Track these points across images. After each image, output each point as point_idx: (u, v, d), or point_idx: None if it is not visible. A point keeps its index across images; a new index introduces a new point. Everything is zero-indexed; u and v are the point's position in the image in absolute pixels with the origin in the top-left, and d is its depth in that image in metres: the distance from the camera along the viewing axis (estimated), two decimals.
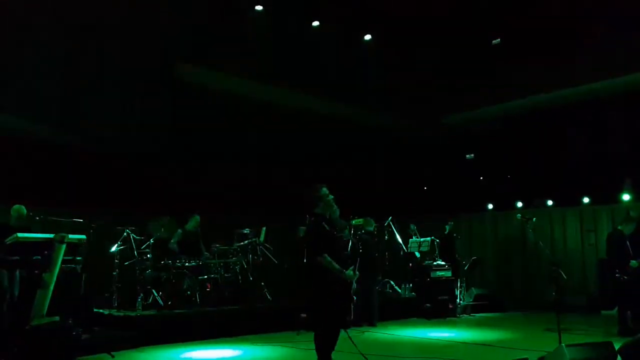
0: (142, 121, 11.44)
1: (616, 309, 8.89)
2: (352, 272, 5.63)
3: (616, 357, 6.14)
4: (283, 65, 13.08)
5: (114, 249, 9.39)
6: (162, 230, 9.87)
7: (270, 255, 10.88)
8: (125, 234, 9.49)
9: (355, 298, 5.86)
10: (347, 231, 11.28)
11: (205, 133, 12.33)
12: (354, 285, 5.81)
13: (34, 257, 7.13)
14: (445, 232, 12.80)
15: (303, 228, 10.51)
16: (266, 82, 12.97)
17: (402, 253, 12.48)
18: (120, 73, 11.26)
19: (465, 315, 11.57)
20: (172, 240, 9.98)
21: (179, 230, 10.20)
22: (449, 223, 12.94)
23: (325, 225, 5.65)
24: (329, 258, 5.48)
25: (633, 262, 8.54)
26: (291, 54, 13.23)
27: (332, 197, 5.83)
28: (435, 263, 11.84)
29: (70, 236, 7.54)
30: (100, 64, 10.97)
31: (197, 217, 10.28)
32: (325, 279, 5.56)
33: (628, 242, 8.72)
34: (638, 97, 12.79)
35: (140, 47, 11.48)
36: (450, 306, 11.48)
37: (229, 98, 12.95)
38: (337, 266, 5.51)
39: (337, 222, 6.01)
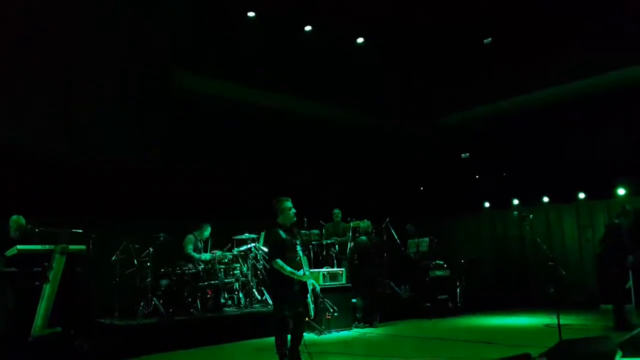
0: (141, 130, 11.44)
1: (612, 303, 8.92)
2: (302, 273, 6.23)
3: (617, 351, 6.19)
4: (277, 70, 13.12)
5: (113, 258, 9.41)
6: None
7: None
8: (124, 243, 9.50)
9: (310, 300, 6.25)
10: (348, 234, 11.41)
11: (204, 140, 12.35)
12: (311, 286, 6.32)
13: (34, 269, 7.15)
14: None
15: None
16: (261, 88, 12.99)
17: (400, 254, 12.53)
18: (118, 82, 11.26)
19: (465, 314, 11.60)
20: (189, 247, 10.18)
21: (191, 236, 10.34)
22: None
23: (282, 234, 6.35)
24: (280, 262, 6.18)
25: (630, 258, 8.59)
26: (285, 59, 13.26)
27: (293, 210, 6.53)
28: (433, 263, 11.88)
29: (71, 247, 7.57)
30: (96, 72, 10.96)
31: (209, 226, 10.55)
32: (279, 282, 6.28)
33: (625, 236, 8.77)
34: (631, 93, 12.89)
35: (138, 55, 11.48)
36: (450, 305, 11.52)
37: (226, 105, 12.97)
38: (288, 269, 6.18)
39: (297, 231, 6.63)
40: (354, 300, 10.35)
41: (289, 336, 6.35)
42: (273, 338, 8.79)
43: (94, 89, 10.94)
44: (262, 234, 11.02)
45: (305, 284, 6.28)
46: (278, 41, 13.07)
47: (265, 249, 10.85)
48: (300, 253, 6.45)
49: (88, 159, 10.89)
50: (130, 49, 11.40)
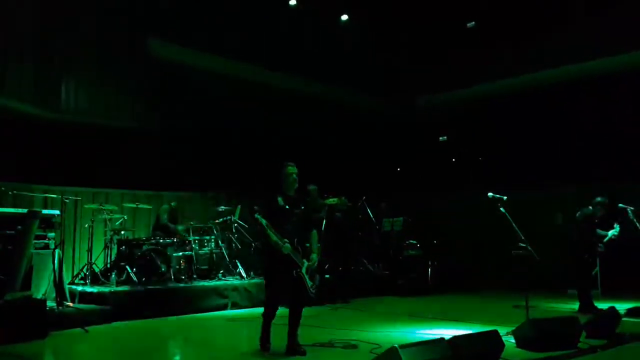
0: (116, 97, 11.30)
1: (578, 288, 9.12)
2: (288, 246, 5.74)
3: (582, 331, 6.37)
4: (257, 42, 12.99)
5: (87, 224, 9.35)
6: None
7: (245, 233, 10.93)
8: (99, 210, 9.43)
9: (306, 276, 5.84)
10: (323, 211, 11.43)
11: (180, 110, 12.23)
12: (306, 263, 5.89)
13: (7, 232, 7.07)
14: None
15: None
16: (240, 60, 12.86)
17: (375, 232, 12.63)
18: (93, 46, 11.07)
19: (436, 293, 11.77)
20: (164, 216, 10.19)
21: (166, 206, 10.36)
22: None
23: (280, 200, 5.96)
24: (265, 228, 5.71)
25: (601, 246, 8.80)
26: (266, 32, 13.14)
27: (294, 177, 6.11)
28: (407, 242, 12.01)
29: (44, 211, 7.50)
30: (72, 37, 10.76)
31: (183, 197, 10.51)
32: (266, 251, 5.97)
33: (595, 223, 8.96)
34: (606, 80, 13.06)
35: (113, 22, 11.30)
36: (422, 284, 11.67)
37: (203, 75, 12.83)
38: (274, 237, 5.74)
39: (301, 200, 6.24)
40: (327, 276, 10.43)
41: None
42: (245, 310, 8.97)
43: (71, 52, 10.76)
44: (238, 207, 11.02)
45: (293, 262, 5.79)
46: (258, 13, 12.92)
47: (242, 222, 10.91)
48: (304, 225, 6.05)
49: (64, 123, 10.75)
50: (108, 16, 11.22)
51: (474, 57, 14.48)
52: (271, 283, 6.03)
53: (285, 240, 5.75)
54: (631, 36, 11.89)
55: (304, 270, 5.82)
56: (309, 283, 5.86)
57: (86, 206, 9.58)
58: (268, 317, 5.96)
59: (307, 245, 6.05)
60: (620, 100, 12.90)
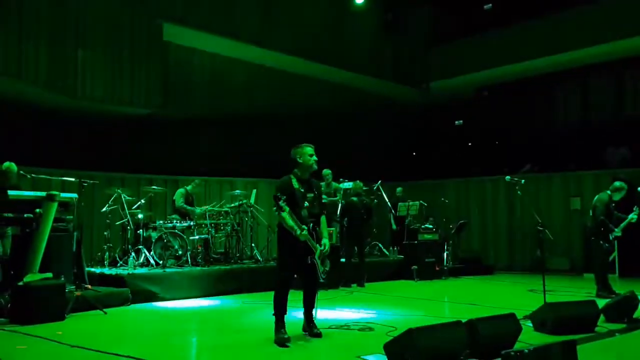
0: (133, 83, 11.33)
1: (595, 272, 9.06)
2: (306, 233, 5.53)
3: (599, 315, 6.33)
4: (272, 27, 12.96)
5: (105, 208, 9.44)
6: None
7: (260, 217, 10.97)
8: (116, 194, 9.51)
9: (318, 261, 5.67)
10: (338, 195, 11.42)
11: (196, 95, 12.27)
12: (319, 248, 5.71)
13: (25, 215, 7.14)
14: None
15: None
16: (255, 44, 12.84)
17: (391, 216, 12.63)
18: (110, 33, 11.08)
19: (451, 277, 11.76)
20: (180, 200, 10.22)
21: (182, 190, 10.39)
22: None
23: (295, 182, 5.73)
24: (284, 214, 5.47)
25: (617, 231, 8.70)
26: (280, 16, 13.10)
27: (315, 158, 5.84)
28: (423, 226, 11.99)
29: (62, 194, 7.55)
30: (87, 21, 10.77)
31: (201, 181, 10.56)
32: (281, 235, 5.72)
33: (612, 207, 8.87)
34: (623, 63, 12.89)
35: (129, 6, 11.30)
36: (437, 268, 11.66)
37: (219, 60, 12.84)
38: (290, 222, 5.51)
39: (315, 184, 5.97)
40: (342, 260, 10.44)
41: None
42: (261, 293, 8.99)
43: (86, 37, 10.78)
44: (254, 191, 11.05)
45: (309, 247, 5.63)
46: None
47: (258, 207, 10.95)
48: (315, 210, 5.80)
49: (81, 110, 10.82)
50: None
51: (490, 41, 14.35)
52: (285, 267, 5.79)
53: (304, 226, 5.56)
54: None
55: (317, 256, 5.69)
56: (321, 268, 5.74)
57: (105, 190, 9.67)
58: (282, 306, 5.68)
59: (318, 229, 5.83)
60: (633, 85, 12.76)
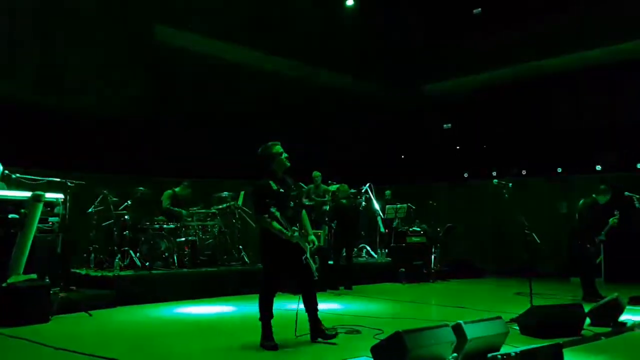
0: (122, 83, 11.26)
1: (582, 276, 9.10)
2: (297, 234, 5.46)
3: (585, 318, 6.36)
4: (262, 28, 12.94)
5: (91, 209, 9.36)
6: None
7: (248, 219, 10.92)
8: (102, 195, 9.44)
9: (310, 260, 5.58)
10: (327, 197, 11.42)
11: (185, 96, 12.21)
12: (309, 246, 5.62)
13: (10, 216, 7.06)
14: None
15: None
16: (244, 45, 12.81)
17: (379, 219, 12.63)
18: (99, 35, 11.01)
19: (439, 280, 11.78)
20: (167, 202, 10.15)
21: (169, 191, 10.32)
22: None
23: (273, 185, 5.60)
24: (268, 219, 5.39)
25: (602, 236, 8.75)
26: (270, 17, 13.08)
27: (285, 155, 5.75)
28: (411, 229, 12.00)
29: (47, 195, 7.48)
30: (76, 22, 10.70)
31: (187, 183, 10.48)
32: (267, 240, 5.57)
33: (598, 212, 8.91)
34: (616, 69, 12.98)
35: (119, 8, 11.24)
36: (425, 271, 11.67)
37: (207, 60, 12.78)
38: (277, 226, 5.41)
39: (290, 181, 5.86)
40: (330, 262, 10.43)
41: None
42: (248, 296, 8.91)
43: (77, 40, 10.70)
44: (242, 193, 11.00)
45: (298, 247, 5.55)
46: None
47: (245, 208, 10.89)
48: (296, 207, 5.72)
49: (68, 110, 10.73)
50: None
51: (480, 45, 14.40)
52: (271, 272, 5.67)
53: (295, 228, 5.48)
54: None
55: (308, 254, 5.60)
56: (314, 266, 5.64)
57: (91, 191, 9.57)
58: (268, 310, 5.59)
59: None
60: (629, 90, 12.85)
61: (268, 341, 5.52)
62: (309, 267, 5.61)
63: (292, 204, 5.66)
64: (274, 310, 5.67)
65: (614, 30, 12.16)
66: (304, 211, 5.89)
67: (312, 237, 5.77)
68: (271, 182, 5.63)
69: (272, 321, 5.64)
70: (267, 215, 5.38)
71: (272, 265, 5.69)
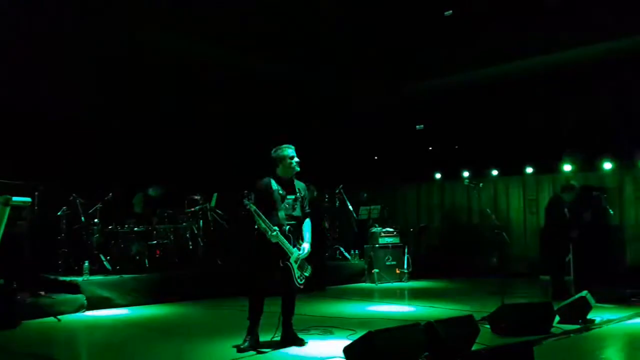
0: (86, 85, 11.05)
1: (551, 274, 9.22)
2: (276, 234, 5.38)
3: (555, 316, 6.45)
4: (232, 25, 12.74)
5: (60, 212, 9.20)
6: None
7: (221, 221, 10.85)
8: (71, 198, 9.29)
9: (295, 266, 5.54)
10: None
11: (154, 97, 12.02)
12: (296, 252, 5.57)
13: None
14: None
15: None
16: (217, 43, 12.62)
17: (352, 220, 12.67)
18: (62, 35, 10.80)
19: (412, 280, 11.84)
20: (138, 205, 10.11)
21: (140, 195, 10.24)
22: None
23: (273, 184, 5.59)
24: (259, 212, 5.38)
25: (573, 233, 8.87)
26: (242, 14, 12.91)
27: (296, 160, 5.70)
28: (384, 230, 12.04)
29: (15, 199, 7.33)
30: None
31: (159, 186, 10.42)
32: (257, 239, 5.55)
33: (566, 210, 9.03)
34: (581, 70, 13.18)
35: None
36: (398, 271, 11.73)
37: (180, 61, 12.61)
38: (263, 224, 5.39)
39: (301, 186, 5.81)
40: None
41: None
42: (222, 299, 8.87)
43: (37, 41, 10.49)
44: (215, 195, 10.93)
45: (284, 252, 5.50)
46: None
47: (218, 211, 10.83)
48: (298, 212, 5.66)
49: (37, 111, 10.53)
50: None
51: (452, 46, 14.50)
52: (259, 273, 5.64)
53: (275, 228, 5.42)
54: None
55: (292, 259, 5.53)
56: (297, 273, 5.56)
57: (60, 195, 9.42)
58: (256, 310, 5.56)
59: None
60: (597, 87, 13.06)
61: (248, 341, 5.50)
62: (289, 272, 5.56)
63: (285, 206, 5.60)
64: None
65: (580, 33, 12.33)
66: (307, 219, 5.81)
67: (306, 245, 5.70)
68: (272, 181, 5.63)
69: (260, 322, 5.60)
70: (255, 209, 5.37)
71: (259, 265, 5.65)
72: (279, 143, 5.84)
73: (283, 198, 5.60)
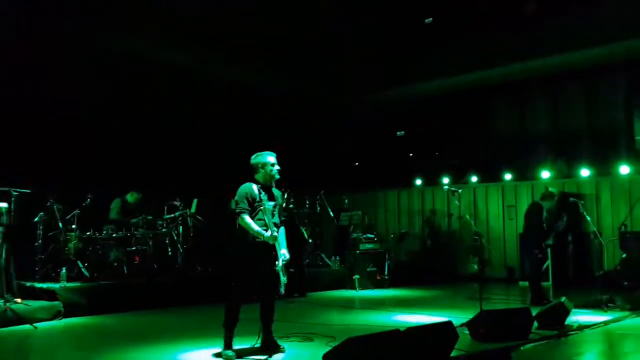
0: (67, 88, 10.94)
1: (530, 280, 9.29)
2: (276, 235, 5.37)
3: (533, 322, 6.50)
4: (207, 31, 12.69)
5: (37, 218, 9.05)
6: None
7: (201, 227, 10.78)
8: (49, 203, 9.16)
9: (281, 271, 5.45)
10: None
11: (133, 103, 11.94)
12: (282, 257, 5.50)
13: None
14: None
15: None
16: (190, 49, 12.55)
17: (333, 226, 12.67)
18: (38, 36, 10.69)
19: (392, 286, 11.86)
20: (115, 211, 10.03)
21: (117, 200, 10.15)
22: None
23: (255, 191, 5.53)
24: (247, 219, 5.40)
25: (549, 241, 8.95)
26: (219, 21, 12.86)
27: (277, 167, 5.69)
28: (364, 236, 12.06)
29: None
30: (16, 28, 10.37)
31: (137, 191, 10.39)
32: (242, 244, 5.51)
33: (545, 217, 9.11)
34: (558, 79, 13.36)
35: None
36: (378, 277, 11.74)
37: (160, 67, 12.54)
38: (255, 227, 5.39)
39: (277, 193, 5.78)
40: (291, 269, 10.35)
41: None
42: (206, 306, 8.78)
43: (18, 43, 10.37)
44: (195, 200, 10.85)
45: (273, 247, 5.43)
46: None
47: (198, 217, 10.75)
48: (277, 219, 5.60)
49: (13, 113, 10.39)
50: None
51: (432, 53, 14.61)
52: (241, 279, 5.52)
53: (274, 228, 5.37)
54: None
55: (279, 266, 5.46)
56: (283, 280, 5.47)
57: (37, 200, 9.27)
58: (232, 318, 5.51)
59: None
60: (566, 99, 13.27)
61: (227, 349, 5.48)
62: (276, 278, 5.48)
63: (274, 214, 5.58)
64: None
65: (561, 38, 12.48)
66: (282, 226, 5.74)
67: (286, 251, 5.62)
68: (254, 186, 5.58)
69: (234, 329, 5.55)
70: (245, 216, 5.38)
71: (243, 270, 5.55)
72: (259, 149, 5.82)
73: (262, 204, 5.53)
